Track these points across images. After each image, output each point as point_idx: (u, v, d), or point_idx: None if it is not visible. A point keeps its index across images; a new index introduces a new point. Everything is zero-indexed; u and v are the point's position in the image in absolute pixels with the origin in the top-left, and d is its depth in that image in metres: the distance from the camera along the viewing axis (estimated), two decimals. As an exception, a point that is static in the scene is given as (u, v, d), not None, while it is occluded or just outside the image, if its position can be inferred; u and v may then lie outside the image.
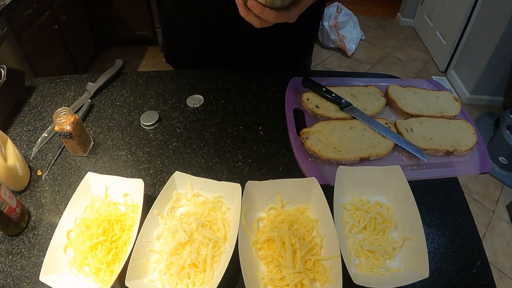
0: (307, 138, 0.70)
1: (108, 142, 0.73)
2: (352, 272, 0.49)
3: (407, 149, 0.69)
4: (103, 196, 0.61)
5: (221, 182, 0.60)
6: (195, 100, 0.82)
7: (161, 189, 0.58)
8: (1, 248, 0.57)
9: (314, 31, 0.93)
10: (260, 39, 0.78)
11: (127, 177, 0.60)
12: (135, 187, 0.58)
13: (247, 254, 0.53)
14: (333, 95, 0.77)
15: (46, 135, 0.74)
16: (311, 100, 0.79)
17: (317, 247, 0.54)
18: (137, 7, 2.57)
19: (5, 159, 0.61)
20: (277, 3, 0.49)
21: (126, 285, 0.48)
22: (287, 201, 0.61)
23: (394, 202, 0.61)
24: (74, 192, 0.58)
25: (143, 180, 0.57)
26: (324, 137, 0.71)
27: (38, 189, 0.65)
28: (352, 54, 2.92)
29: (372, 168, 0.62)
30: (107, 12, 2.57)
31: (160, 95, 0.84)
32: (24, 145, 0.73)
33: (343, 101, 0.76)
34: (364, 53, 2.98)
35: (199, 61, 0.93)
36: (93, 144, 0.73)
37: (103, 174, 0.61)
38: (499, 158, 1.95)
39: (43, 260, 0.50)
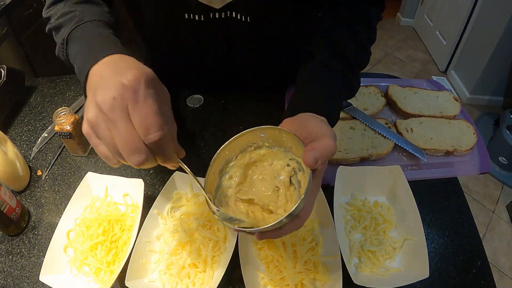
0: (307, 138, 0.70)
1: (108, 142, 0.73)
2: (352, 272, 0.49)
3: (407, 149, 0.69)
4: (103, 196, 0.61)
5: (221, 182, 0.59)
6: (195, 100, 0.82)
7: (161, 189, 0.58)
8: (1, 248, 0.57)
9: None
10: (257, 66, 0.74)
11: (127, 177, 0.60)
12: (135, 187, 0.58)
13: (247, 254, 0.53)
14: (333, 95, 0.77)
15: (46, 135, 0.74)
16: (311, 100, 0.78)
17: (317, 247, 0.54)
18: (137, 7, 2.56)
19: (5, 159, 0.61)
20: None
21: (126, 285, 0.48)
22: (287, 201, 0.60)
23: (394, 202, 0.61)
24: (74, 192, 0.58)
25: (143, 180, 0.57)
26: (324, 137, 0.70)
27: (38, 189, 0.65)
28: (352, 54, 2.91)
29: (372, 168, 0.62)
30: (107, 12, 2.56)
31: (160, 95, 0.83)
32: (24, 145, 0.73)
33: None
34: (364, 53, 2.97)
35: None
36: (93, 144, 0.72)
37: (103, 174, 0.61)
38: (499, 158, 1.95)
39: (43, 260, 0.51)
